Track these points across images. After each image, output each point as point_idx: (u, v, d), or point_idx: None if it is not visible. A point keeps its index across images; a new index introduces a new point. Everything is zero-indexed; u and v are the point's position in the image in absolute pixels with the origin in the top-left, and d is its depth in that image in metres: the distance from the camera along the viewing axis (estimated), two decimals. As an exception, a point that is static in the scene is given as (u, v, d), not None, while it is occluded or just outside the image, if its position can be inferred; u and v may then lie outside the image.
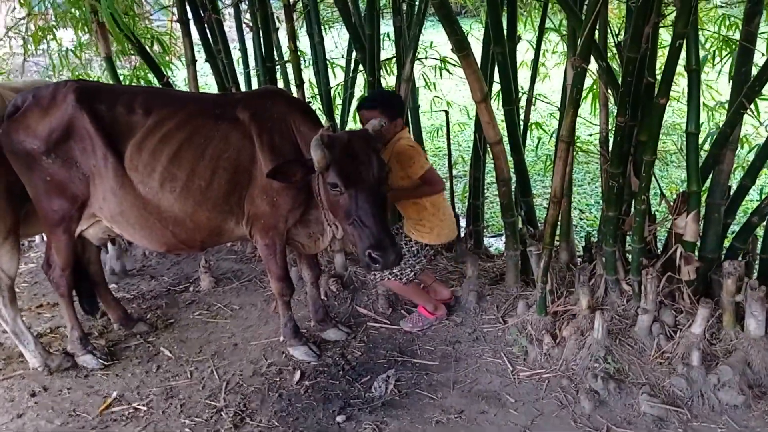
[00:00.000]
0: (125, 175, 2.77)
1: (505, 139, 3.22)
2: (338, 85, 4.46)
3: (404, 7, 3.52)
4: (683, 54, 2.58)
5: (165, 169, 2.77)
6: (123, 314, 3.44)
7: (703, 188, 2.83)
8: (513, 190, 3.41)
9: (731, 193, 2.93)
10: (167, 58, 5.57)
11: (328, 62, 4.11)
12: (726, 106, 3.08)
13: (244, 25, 4.34)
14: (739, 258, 2.91)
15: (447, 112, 4.15)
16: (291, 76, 3.94)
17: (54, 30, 5.64)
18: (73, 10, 4.75)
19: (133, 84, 4.75)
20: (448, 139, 4.09)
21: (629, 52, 2.57)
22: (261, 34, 3.86)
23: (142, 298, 3.82)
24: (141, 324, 3.45)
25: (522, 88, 3.85)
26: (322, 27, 4.20)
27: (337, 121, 4.11)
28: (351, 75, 4.22)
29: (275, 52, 4.12)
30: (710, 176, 2.87)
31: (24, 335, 3.08)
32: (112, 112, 2.78)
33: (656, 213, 3.20)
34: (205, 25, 3.90)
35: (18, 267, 3.05)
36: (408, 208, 3.06)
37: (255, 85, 4.46)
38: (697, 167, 2.71)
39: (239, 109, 2.82)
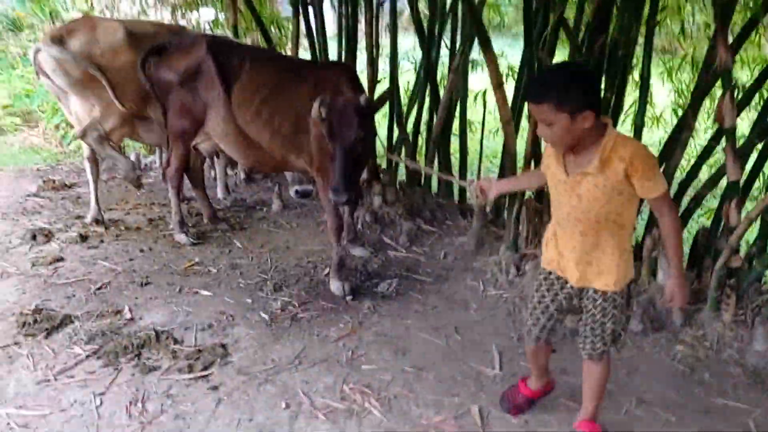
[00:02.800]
0: (230, 108, 3.97)
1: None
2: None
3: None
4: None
5: (255, 107, 3.84)
6: (212, 213, 4.70)
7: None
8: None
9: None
10: (283, 38, 6.92)
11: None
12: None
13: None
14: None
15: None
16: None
17: (198, 4, 7.12)
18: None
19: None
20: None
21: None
22: (349, 22, 5.00)
23: (229, 210, 5.08)
24: (223, 223, 4.69)
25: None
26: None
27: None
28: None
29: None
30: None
31: (116, 157, 4.42)
32: (228, 60, 3.96)
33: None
34: (309, 10, 5.10)
35: (113, 129, 4.35)
36: (613, 235, 2.23)
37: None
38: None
39: (312, 72, 3.90)
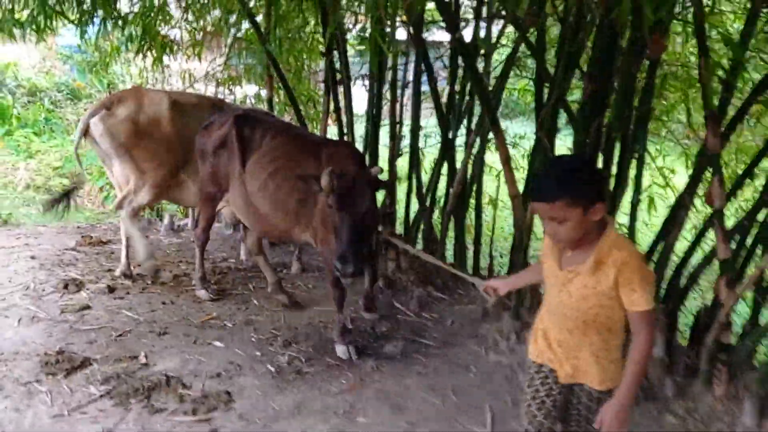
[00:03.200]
0: (243, 178, 4.20)
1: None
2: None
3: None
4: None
5: (263, 179, 4.02)
6: (277, 281, 4.86)
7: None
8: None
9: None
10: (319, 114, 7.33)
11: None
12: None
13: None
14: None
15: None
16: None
17: (241, 81, 7.64)
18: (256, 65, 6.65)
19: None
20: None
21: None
22: (374, 101, 5.35)
23: (250, 270, 5.33)
24: (284, 296, 4.84)
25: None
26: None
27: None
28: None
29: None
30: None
31: (137, 238, 4.74)
32: (251, 134, 4.20)
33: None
34: (338, 88, 5.48)
35: (146, 203, 4.73)
36: (601, 338, 2.20)
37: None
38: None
39: (316, 147, 3.98)
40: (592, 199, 2.01)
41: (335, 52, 5.24)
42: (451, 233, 5.05)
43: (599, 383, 2.21)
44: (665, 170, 4.58)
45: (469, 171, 4.87)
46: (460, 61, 4.69)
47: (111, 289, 4.65)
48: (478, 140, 4.71)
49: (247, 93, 8.14)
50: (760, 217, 3.47)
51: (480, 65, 4.59)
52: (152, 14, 5.70)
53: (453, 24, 4.31)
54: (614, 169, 3.87)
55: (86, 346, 3.81)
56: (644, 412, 3.37)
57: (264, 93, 6.90)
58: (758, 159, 3.53)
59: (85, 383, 3.39)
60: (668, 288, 3.81)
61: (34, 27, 4.67)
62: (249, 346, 3.96)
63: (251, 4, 6.06)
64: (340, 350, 3.89)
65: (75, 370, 3.50)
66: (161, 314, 4.34)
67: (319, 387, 3.52)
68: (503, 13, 4.28)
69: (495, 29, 4.69)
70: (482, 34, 4.61)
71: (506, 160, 4.22)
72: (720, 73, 3.45)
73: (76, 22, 5.16)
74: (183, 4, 6.60)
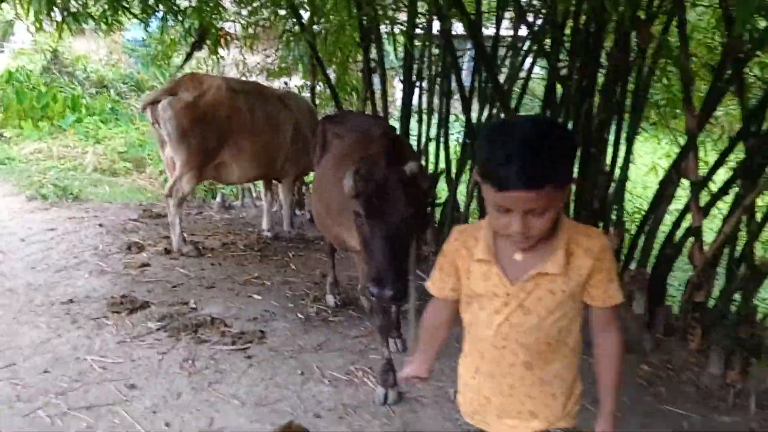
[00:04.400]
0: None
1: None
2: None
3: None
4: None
5: (326, 170, 3.77)
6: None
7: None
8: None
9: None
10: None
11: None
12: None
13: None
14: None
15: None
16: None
17: (289, 72, 8.33)
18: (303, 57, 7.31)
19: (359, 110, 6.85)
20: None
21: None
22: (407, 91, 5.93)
23: (292, 241, 6.01)
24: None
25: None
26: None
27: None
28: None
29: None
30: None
31: (176, 227, 5.35)
32: (331, 130, 4.04)
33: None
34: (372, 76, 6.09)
35: (189, 190, 5.34)
36: (564, 364, 1.80)
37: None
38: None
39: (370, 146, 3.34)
40: (571, 176, 1.61)
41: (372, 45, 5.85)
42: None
43: (563, 418, 1.81)
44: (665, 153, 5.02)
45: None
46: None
47: (167, 252, 5.39)
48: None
49: (295, 83, 8.85)
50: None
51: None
52: (208, 8, 6.43)
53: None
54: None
55: (145, 293, 4.54)
56: (626, 364, 3.86)
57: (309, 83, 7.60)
58: (737, 139, 3.96)
59: (144, 320, 4.11)
60: (657, 256, 4.29)
61: (104, 21, 5.37)
62: (283, 299, 4.61)
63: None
64: (379, 393, 3.33)
65: (136, 310, 4.23)
66: (209, 272, 5.05)
67: (340, 331, 4.14)
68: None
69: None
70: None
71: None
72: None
73: (140, 16, 5.89)
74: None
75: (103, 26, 5.81)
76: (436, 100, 5.86)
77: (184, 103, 5.01)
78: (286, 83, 8.70)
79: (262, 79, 9.20)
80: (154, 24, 7.27)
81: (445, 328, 1.94)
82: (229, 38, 7.77)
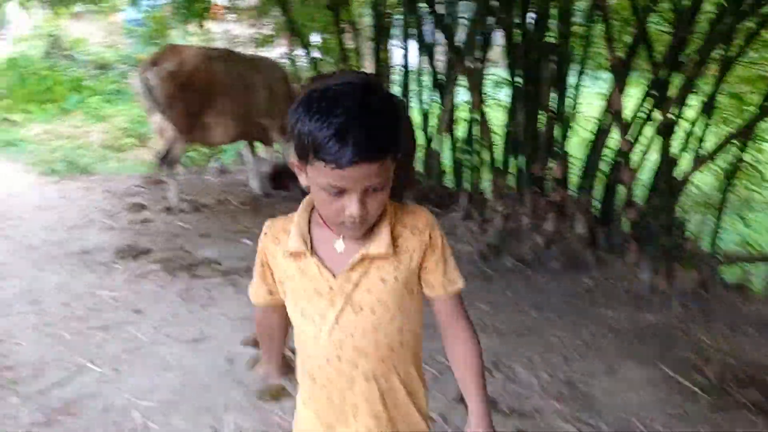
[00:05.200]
0: None
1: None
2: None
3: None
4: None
5: None
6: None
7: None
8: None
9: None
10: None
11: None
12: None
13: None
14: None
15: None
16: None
17: (272, 39, 8.90)
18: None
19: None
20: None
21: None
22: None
23: (272, 195, 6.68)
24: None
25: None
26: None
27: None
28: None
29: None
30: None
31: (171, 185, 6.04)
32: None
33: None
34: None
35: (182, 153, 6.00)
36: (413, 367, 1.54)
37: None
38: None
39: None
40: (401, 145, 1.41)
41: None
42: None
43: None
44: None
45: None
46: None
47: (167, 209, 6.08)
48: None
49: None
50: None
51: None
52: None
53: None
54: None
55: (148, 242, 5.24)
56: (566, 277, 4.50)
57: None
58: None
59: (147, 263, 4.81)
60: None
61: (92, 2, 5.97)
62: (270, 242, 5.27)
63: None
64: None
65: (139, 256, 4.93)
66: (205, 225, 5.75)
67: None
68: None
69: None
70: None
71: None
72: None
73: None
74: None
75: (95, 7, 6.45)
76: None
77: (167, 72, 5.64)
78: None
79: (250, 50, 9.84)
80: (147, 3, 7.93)
81: (279, 331, 1.69)
82: (220, 12, 8.37)
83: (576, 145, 5.19)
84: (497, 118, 5.56)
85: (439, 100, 5.96)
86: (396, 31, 6.47)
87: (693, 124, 4.67)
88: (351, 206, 1.32)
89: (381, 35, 6.30)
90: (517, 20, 4.89)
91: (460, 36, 5.56)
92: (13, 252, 5.05)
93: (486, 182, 5.30)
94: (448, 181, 6.28)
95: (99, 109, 11.56)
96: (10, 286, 4.42)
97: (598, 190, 4.89)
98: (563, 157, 4.92)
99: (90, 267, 4.76)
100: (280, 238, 1.50)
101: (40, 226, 5.69)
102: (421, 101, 6.37)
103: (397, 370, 1.48)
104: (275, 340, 1.74)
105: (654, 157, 4.60)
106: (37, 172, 7.84)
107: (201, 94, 5.83)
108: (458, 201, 5.77)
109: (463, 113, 6.04)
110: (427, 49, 6.08)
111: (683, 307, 4.14)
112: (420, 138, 6.23)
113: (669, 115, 4.15)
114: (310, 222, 1.48)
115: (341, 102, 1.29)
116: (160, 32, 10.30)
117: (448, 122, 5.84)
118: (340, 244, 1.44)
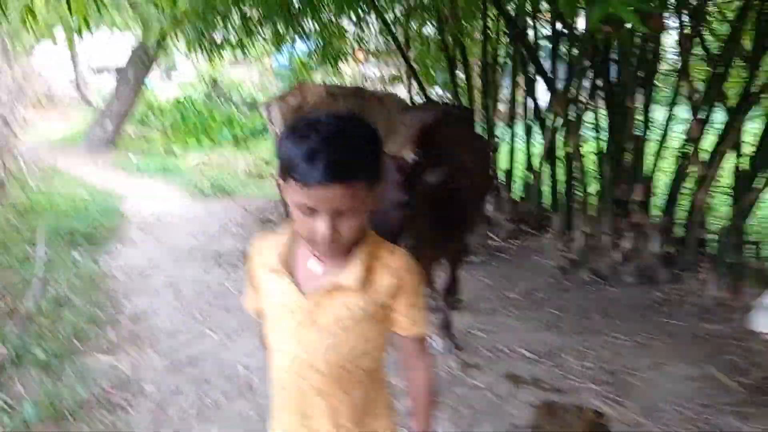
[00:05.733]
0: None
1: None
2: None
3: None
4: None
5: None
6: None
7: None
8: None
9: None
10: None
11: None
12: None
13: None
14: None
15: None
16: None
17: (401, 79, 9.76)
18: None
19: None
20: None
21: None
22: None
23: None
24: None
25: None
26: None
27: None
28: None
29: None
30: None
31: None
32: None
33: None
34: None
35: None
36: (365, 384, 1.64)
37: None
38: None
39: None
40: (379, 175, 1.52)
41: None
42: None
43: None
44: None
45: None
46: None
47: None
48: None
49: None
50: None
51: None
52: (329, 32, 7.99)
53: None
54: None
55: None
56: (638, 292, 4.83)
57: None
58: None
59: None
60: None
61: (240, 47, 7.06)
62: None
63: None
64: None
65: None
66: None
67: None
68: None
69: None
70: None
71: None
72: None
73: (271, 41, 7.56)
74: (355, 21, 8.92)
75: (245, 53, 7.55)
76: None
77: (289, 106, 6.54)
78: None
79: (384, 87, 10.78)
80: (296, 50, 9.08)
81: None
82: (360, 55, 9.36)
83: (658, 171, 5.45)
84: (589, 146, 5.97)
85: (541, 132, 6.45)
86: (507, 68, 7.04)
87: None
88: (321, 227, 1.43)
89: (491, 72, 6.90)
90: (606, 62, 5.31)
91: (558, 74, 6.04)
92: (162, 252, 6.13)
93: (577, 205, 5.70)
94: (546, 204, 6.72)
95: (246, 142, 12.98)
96: (157, 276, 5.44)
97: (676, 211, 5.16)
98: (644, 182, 5.24)
99: (221, 265, 5.68)
100: (263, 253, 1.63)
101: (186, 233, 6.77)
102: (528, 133, 6.86)
103: (349, 390, 1.59)
104: None
105: (728, 180, 4.85)
106: (189, 193, 9.10)
107: None
108: (551, 222, 6.22)
109: (560, 144, 6.49)
110: (530, 85, 6.60)
111: (744, 320, 4.35)
112: (523, 164, 6.74)
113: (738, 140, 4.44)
114: (296, 240, 1.59)
115: (317, 127, 1.43)
116: (303, 74, 11.52)
117: (548, 152, 6.31)
118: (314, 264, 1.56)
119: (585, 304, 4.62)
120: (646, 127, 5.25)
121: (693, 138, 4.81)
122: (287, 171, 1.43)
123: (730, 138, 4.67)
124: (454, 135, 3.62)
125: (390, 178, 2.67)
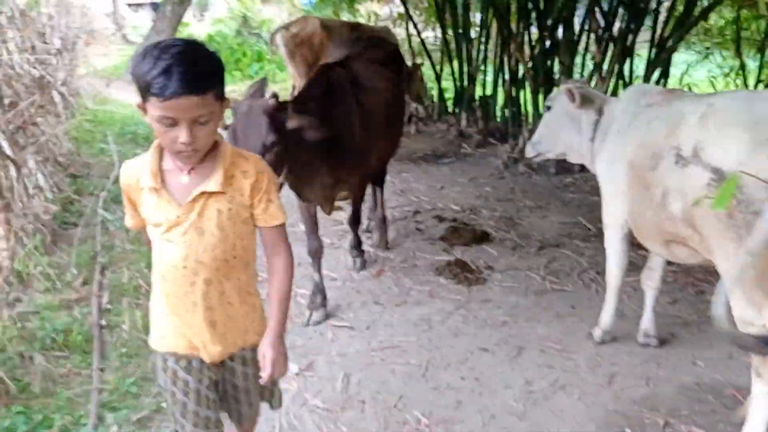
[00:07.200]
0: None
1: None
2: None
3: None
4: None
5: None
6: None
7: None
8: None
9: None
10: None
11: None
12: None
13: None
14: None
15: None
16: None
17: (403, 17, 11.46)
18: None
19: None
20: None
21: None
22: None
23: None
24: None
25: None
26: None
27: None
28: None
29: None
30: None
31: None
32: None
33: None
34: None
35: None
36: (243, 277, 2.01)
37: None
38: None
39: None
40: (224, 93, 1.75)
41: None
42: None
43: (257, 334, 2.01)
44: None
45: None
46: None
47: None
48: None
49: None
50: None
51: None
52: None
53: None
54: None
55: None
56: (557, 180, 6.62)
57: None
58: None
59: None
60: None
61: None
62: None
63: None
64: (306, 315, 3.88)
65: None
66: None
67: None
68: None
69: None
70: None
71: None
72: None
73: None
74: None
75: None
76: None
77: (290, 33, 8.21)
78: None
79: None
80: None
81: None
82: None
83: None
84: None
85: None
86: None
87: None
88: (181, 135, 1.68)
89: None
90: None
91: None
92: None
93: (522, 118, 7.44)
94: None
95: (275, 75, 14.76)
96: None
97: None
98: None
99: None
100: (137, 174, 1.86)
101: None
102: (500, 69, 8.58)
103: (230, 276, 1.92)
104: None
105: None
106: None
107: (314, 52, 8.38)
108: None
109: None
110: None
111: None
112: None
113: None
114: (162, 160, 1.85)
115: (169, 50, 1.66)
116: (322, 12, 13.22)
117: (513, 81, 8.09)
118: (185, 178, 1.83)
119: (512, 186, 6.44)
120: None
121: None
122: (147, 90, 1.66)
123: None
124: (355, 76, 4.01)
125: (256, 121, 2.98)
